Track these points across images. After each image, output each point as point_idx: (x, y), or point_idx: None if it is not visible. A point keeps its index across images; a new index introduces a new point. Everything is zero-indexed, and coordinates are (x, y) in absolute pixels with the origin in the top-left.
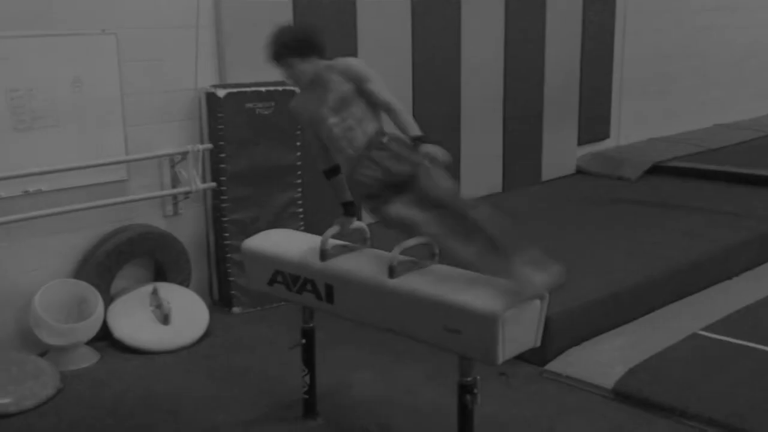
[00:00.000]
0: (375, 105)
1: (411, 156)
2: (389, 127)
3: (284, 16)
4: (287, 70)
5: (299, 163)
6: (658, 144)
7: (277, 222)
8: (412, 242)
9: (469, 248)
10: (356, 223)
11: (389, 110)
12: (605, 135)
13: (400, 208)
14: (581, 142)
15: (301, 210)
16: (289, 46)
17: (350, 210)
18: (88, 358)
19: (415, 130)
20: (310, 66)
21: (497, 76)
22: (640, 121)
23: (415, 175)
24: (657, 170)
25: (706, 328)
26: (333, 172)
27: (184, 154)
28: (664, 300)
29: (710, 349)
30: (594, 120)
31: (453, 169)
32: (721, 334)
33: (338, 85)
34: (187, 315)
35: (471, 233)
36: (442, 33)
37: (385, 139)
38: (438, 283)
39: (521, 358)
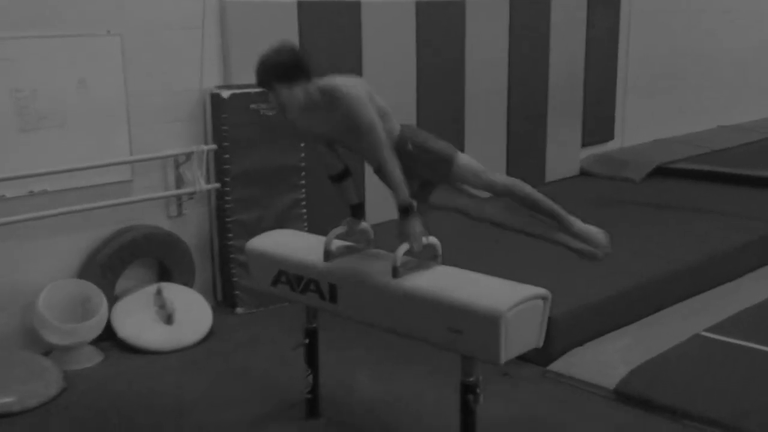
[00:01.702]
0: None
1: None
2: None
3: (289, 17)
4: (277, 98)
5: (303, 164)
6: (662, 145)
7: (281, 222)
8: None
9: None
10: (361, 224)
11: (379, 170)
12: (609, 136)
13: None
14: (585, 143)
15: (304, 211)
16: (275, 73)
17: (358, 212)
18: (92, 358)
19: (401, 197)
20: (296, 93)
21: (501, 76)
22: (644, 123)
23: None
24: (661, 172)
25: (709, 329)
26: (340, 177)
27: (189, 155)
28: (667, 301)
29: (713, 350)
30: (598, 121)
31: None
32: (725, 335)
33: (337, 124)
34: (190, 315)
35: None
36: (447, 34)
37: (408, 147)
38: (441, 284)
39: (524, 358)
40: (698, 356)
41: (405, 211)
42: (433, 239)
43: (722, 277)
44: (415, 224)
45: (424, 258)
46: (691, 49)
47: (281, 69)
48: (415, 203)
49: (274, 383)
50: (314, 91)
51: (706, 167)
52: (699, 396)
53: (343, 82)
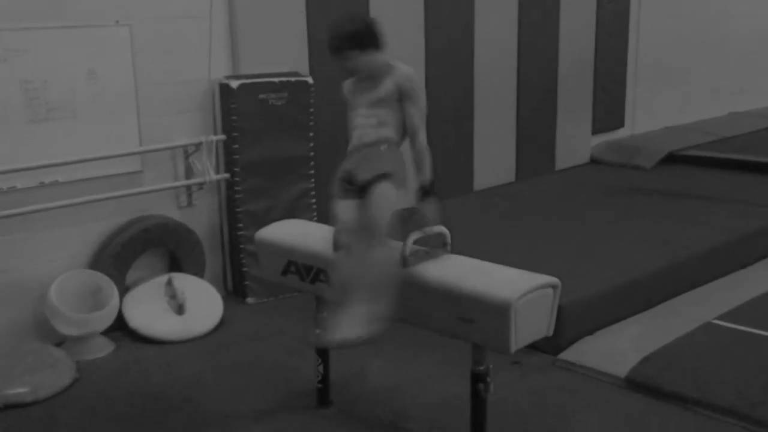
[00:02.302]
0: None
1: (378, 170)
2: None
3: (297, 6)
4: (346, 62)
5: (312, 153)
6: (673, 133)
7: (290, 213)
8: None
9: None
10: None
11: (413, 138)
12: (620, 124)
13: (339, 208)
14: (595, 131)
15: (314, 201)
16: (349, 39)
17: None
18: (103, 348)
19: (425, 178)
20: (368, 59)
21: (511, 64)
22: (655, 110)
23: (366, 188)
24: (672, 159)
25: (720, 317)
26: None
27: (198, 145)
28: (678, 289)
29: (724, 338)
30: (608, 109)
31: (466, 157)
32: (736, 323)
33: (385, 87)
34: (201, 305)
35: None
36: (456, 20)
37: (382, 147)
38: (451, 273)
39: (534, 347)
40: (709, 344)
41: (424, 190)
42: (442, 228)
43: (734, 264)
44: (434, 205)
45: (434, 247)
46: (701, 35)
47: (356, 36)
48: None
49: (285, 373)
50: (381, 65)
51: (718, 154)
52: (710, 384)
53: (405, 67)
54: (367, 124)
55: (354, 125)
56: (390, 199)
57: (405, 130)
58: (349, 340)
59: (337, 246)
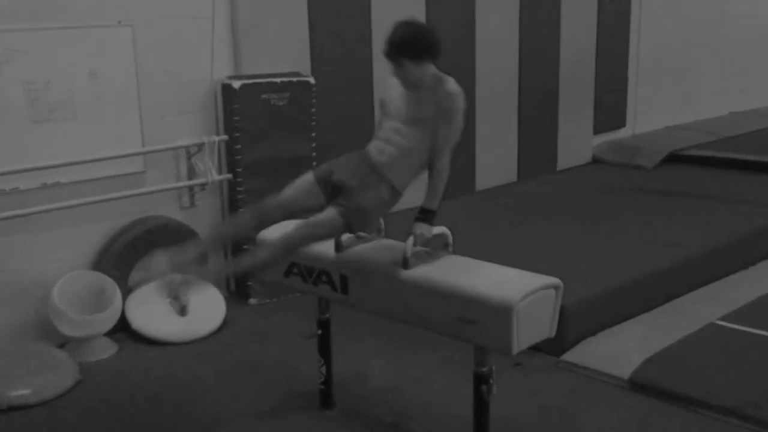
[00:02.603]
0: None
1: (360, 205)
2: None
3: (299, 6)
4: (398, 69)
5: (314, 154)
6: (674, 132)
7: None
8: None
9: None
10: None
11: (435, 159)
12: (621, 123)
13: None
14: (597, 130)
15: None
16: (406, 48)
17: None
18: (106, 349)
19: (432, 204)
20: (420, 71)
21: (512, 64)
22: (656, 110)
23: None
24: (674, 159)
25: (723, 318)
26: None
27: (200, 146)
28: (680, 289)
29: (727, 338)
30: (610, 108)
31: (468, 158)
32: (739, 323)
33: (427, 108)
34: (204, 306)
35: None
36: (457, 20)
37: (384, 191)
38: (452, 274)
39: (537, 348)
40: (712, 345)
41: (425, 213)
42: (443, 229)
43: (736, 264)
44: (427, 229)
45: (435, 248)
46: (702, 35)
47: (409, 45)
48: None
49: (288, 374)
50: (430, 79)
51: (719, 154)
52: (713, 385)
53: (456, 85)
54: (394, 142)
55: (381, 133)
56: (329, 231)
57: (431, 152)
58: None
59: (339, 247)
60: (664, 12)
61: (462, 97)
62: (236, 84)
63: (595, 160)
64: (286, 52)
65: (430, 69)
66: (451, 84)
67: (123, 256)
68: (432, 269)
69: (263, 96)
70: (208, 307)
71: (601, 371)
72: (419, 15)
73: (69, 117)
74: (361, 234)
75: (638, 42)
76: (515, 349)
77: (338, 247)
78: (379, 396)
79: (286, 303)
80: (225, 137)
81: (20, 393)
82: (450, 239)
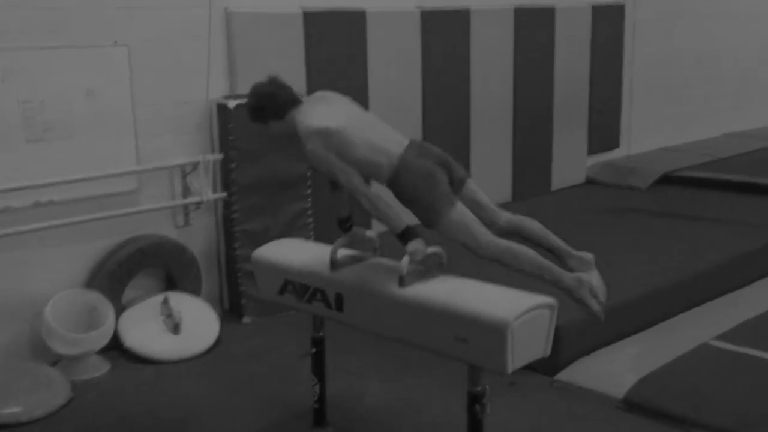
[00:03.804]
0: None
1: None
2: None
3: (295, 27)
4: (269, 131)
5: (309, 173)
6: (668, 153)
7: (287, 232)
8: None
9: None
10: (367, 233)
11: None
12: (615, 144)
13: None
14: (591, 151)
15: (311, 220)
16: (261, 111)
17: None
18: (99, 368)
19: (388, 224)
20: (286, 125)
21: (506, 85)
22: (650, 131)
23: None
24: (667, 180)
25: (717, 338)
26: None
27: (195, 165)
28: (674, 309)
29: (721, 358)
30: (604, 129)
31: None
32: (733, 343)
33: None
34: (197, 324)
35: None
36: (452, 43)
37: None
38: (447, 293)
39: (531, 367)
40: (707, 365)
41: (402, 237)
42: (438, 248)
43: (730, 285)
44: (417, 245)
45: (430, 266)
46: (696, 56)
47: (266, 108)
48: (410, 226)
49: (282, 392)
50: (285, 130)
51: (713, 175)
52: (708, 405)
53: (305, 128)
54: None
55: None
56: (463, 216)
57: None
58: None
59: (334, 264)
60: (657, 34)
61: (317, 132)
62: (231, 103)
63: (589, 181)
64: (281, 73)
65: (282, 126)
66: (302, 134)
67: (116, 275)
68: (427, 288)
69: None
70: (201, 326)
71: (596, 391)
72: (414, 38)
73: (63, 136)
74: (356, 252)
75: (632, 63)
76: (510, 368)
77: (333, 265)
78: (374, 415)
79: (281, 321)
80: (220, 156)
81: (12, 411)
82: (445, 258)
